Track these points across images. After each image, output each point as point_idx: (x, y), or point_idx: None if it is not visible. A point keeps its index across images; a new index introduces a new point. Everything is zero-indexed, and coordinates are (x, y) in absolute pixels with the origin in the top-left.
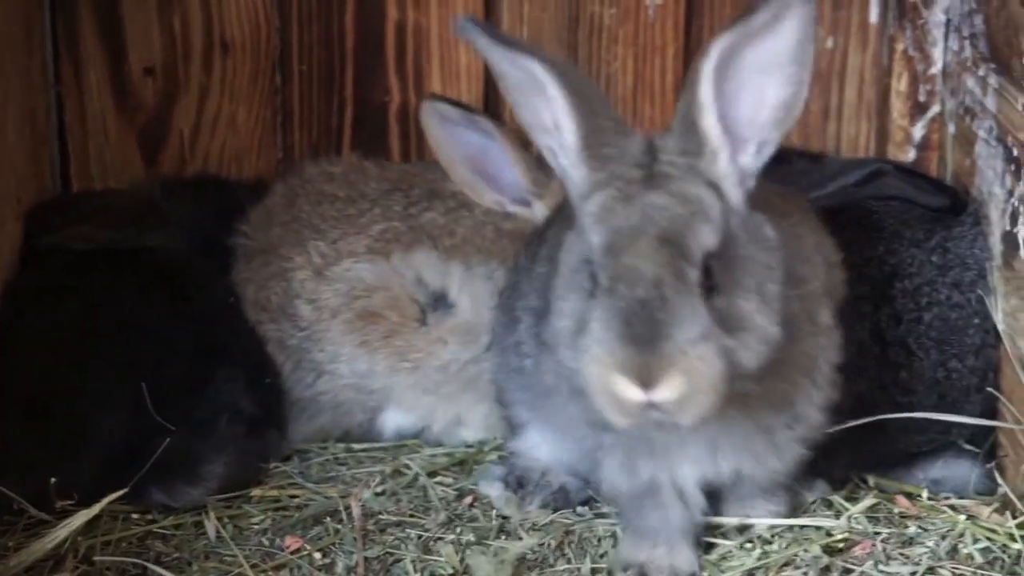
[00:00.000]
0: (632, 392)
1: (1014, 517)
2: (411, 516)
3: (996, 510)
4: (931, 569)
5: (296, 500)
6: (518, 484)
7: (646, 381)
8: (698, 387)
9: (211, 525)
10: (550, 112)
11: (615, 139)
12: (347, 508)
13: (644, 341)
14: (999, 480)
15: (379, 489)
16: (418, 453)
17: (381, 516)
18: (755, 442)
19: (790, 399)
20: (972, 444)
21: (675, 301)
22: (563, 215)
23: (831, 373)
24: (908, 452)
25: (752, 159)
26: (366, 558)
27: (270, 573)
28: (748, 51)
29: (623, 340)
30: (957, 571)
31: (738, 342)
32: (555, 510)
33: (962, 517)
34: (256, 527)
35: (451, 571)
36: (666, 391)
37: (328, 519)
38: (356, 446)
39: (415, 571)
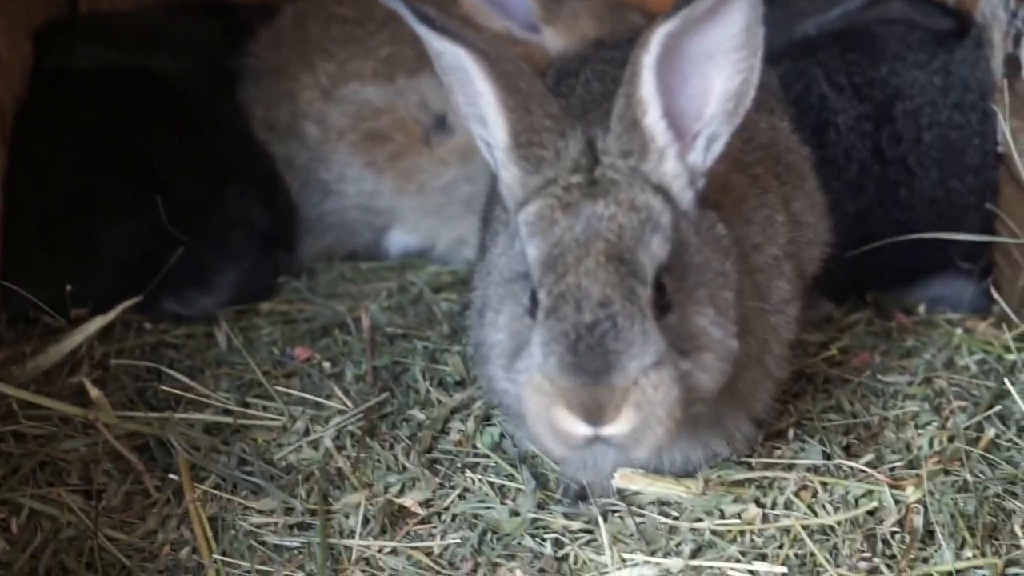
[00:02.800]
0: (578, 427)
1: (1009, 330)
2: (417, 329)
3: (992, 324)
4: (927, 379)
5: (305, 313)
6: None
7: (594, 416)
8: (652, 419)
9: (222, 335)
10: (481, 105)
11: (551, 138)
12: (355, 320)
13: (592, 372)
14: (995, 296)
15: (386, 303)
16: (423, 271)
17: (388, 328)
18: (703, 435)
19: (739, 392)
20: (969, 262)
21: (625, 325)
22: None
23: (784, 352)
24: (906, 271)
25: (701, 155)
26: (375, 367)
27: (281, 380)
28: (691, 40)
29: (568, 370)
30: (953, 381)
31: (695, 363)
32: None
33: (958, 331)
34: (266, 338)
35: (458, 379)
36: (617, 427)
37: (337, 331)
38: (363, 264)
39: (424, 379)
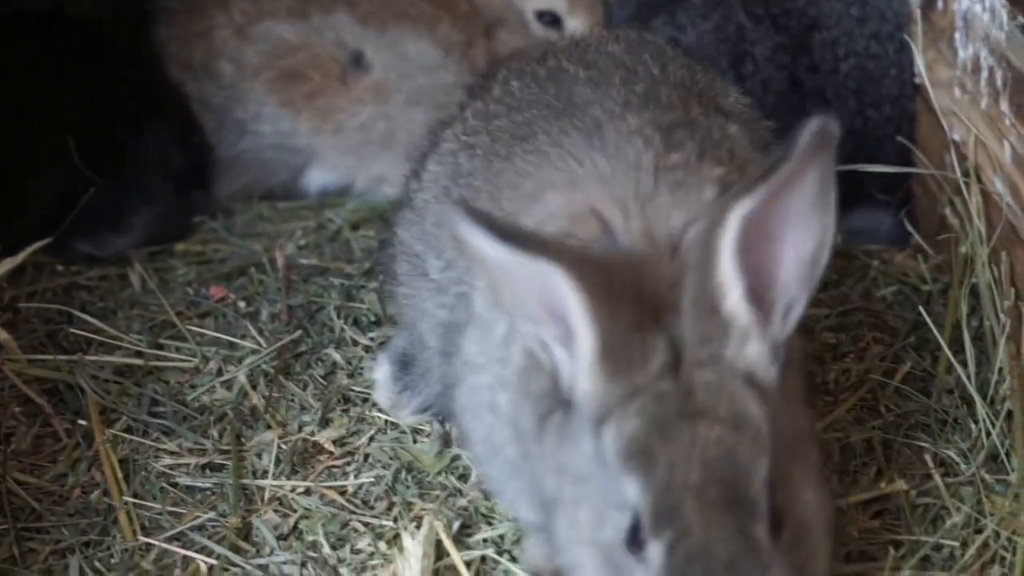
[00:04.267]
0: None
1: (925, 261)
2: (334, 264)
3: (908, 256)
4: (844, 312)
5: (220, 253)
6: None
7: None
8: None
9: (136, 276)
10: (560, 316)
11: (637, 340)
12: (271, 260)
13: None
14: (910, 228)
15: (302, 242)
16: (342, 208)
17: (304, 264)
18: None
19: None
20: (886, 194)
21: None
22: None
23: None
24: None
25: (780, 326)
26: (289, 306)
27: (195, 320)
28: (768, 212)
29: None
30: (870, 312)
31: (810, 567)
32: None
33: (875, 262)
34: (181, 279)
35: (374, 318)
36: None
37: (252, 270)
38: (280, 204)
39: (339, 318)
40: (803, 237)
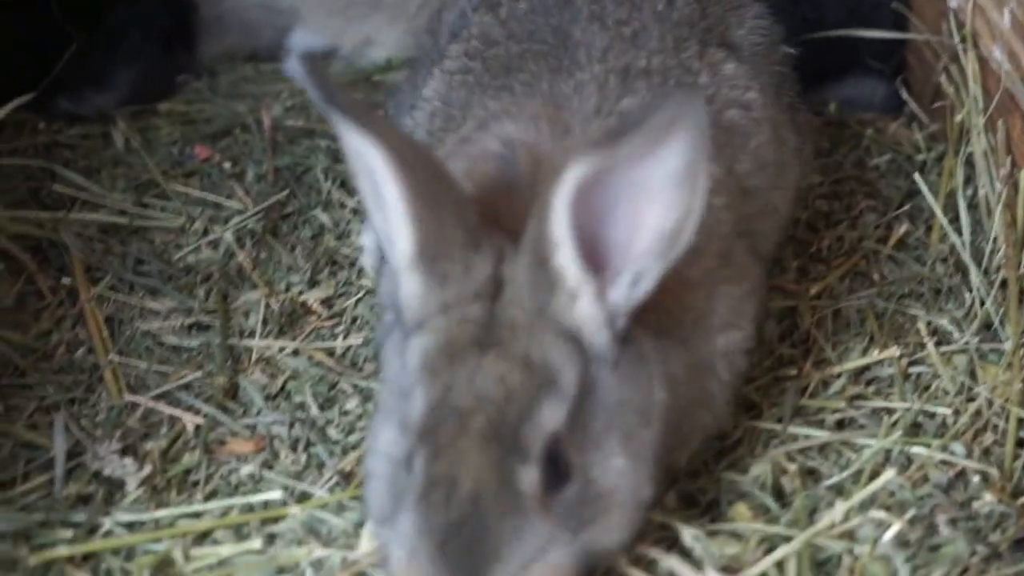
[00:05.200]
0: None
1: (920, 130)
2: (321, 126)
3: (902, 124)
4: (838, 181)
5: (205, 113)
6: None
7: None
8: None
9: (119, 135)
10: (386, 207)
11: (461, 253)
12: (257, 120)
13: (462, 570)
14: (905, 96)
15: (288, 103)
16: (328, 71)
17: (290, 126)
18: None
19: (685, 435)
20: (880, 62)
21: (496, 524)
22: None
23: (735, 376)
24: (817, 70)
25: (625, 293)
26: (276, 167)
27: (180, 180)
28: (619, 174)
29: (437, 565)
30: (863, 180)
31: (599, 529)
32: None
33: (869, 131)
34: (165, 138)
35: None
36: None
37: (237, 130)
38: (265, 65)
39: (326, 179)
40: (662, 211)
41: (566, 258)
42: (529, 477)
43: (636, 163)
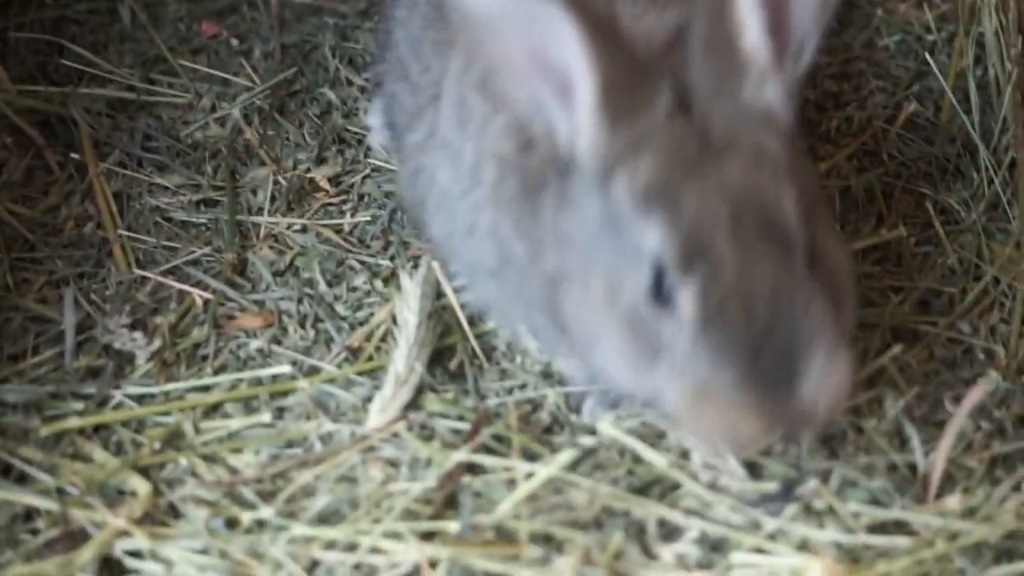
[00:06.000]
0: (766, 438)
1: (930, 10)
2: (328, 3)
3: (912, 5)
4: (847, 61)
5: None
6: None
7: (787, 427)
8: (839, 401)
9: (126, 10)
10: (556, 67)
11: (639, 82)
12: None
13: (779, 383)
14: None
15: None
16: None
17: (297, 3)
18: None
19: None
20: None
21: (801, 317)
22: None
23: None
24: None
25: (794, 63)
26: (283, 44)
27: (188, 56)
28: None
29: (751, 384)
30: (872, 61)
31: (844, 306)
32: None
33: (878, 11)
34: (172, 15)
35: (369, 58)
36: (811, 428)
37: (244, 7)
38: None
39: (333, 57)
40: None
41: (754, 39)
42: (801, 261)
43: None
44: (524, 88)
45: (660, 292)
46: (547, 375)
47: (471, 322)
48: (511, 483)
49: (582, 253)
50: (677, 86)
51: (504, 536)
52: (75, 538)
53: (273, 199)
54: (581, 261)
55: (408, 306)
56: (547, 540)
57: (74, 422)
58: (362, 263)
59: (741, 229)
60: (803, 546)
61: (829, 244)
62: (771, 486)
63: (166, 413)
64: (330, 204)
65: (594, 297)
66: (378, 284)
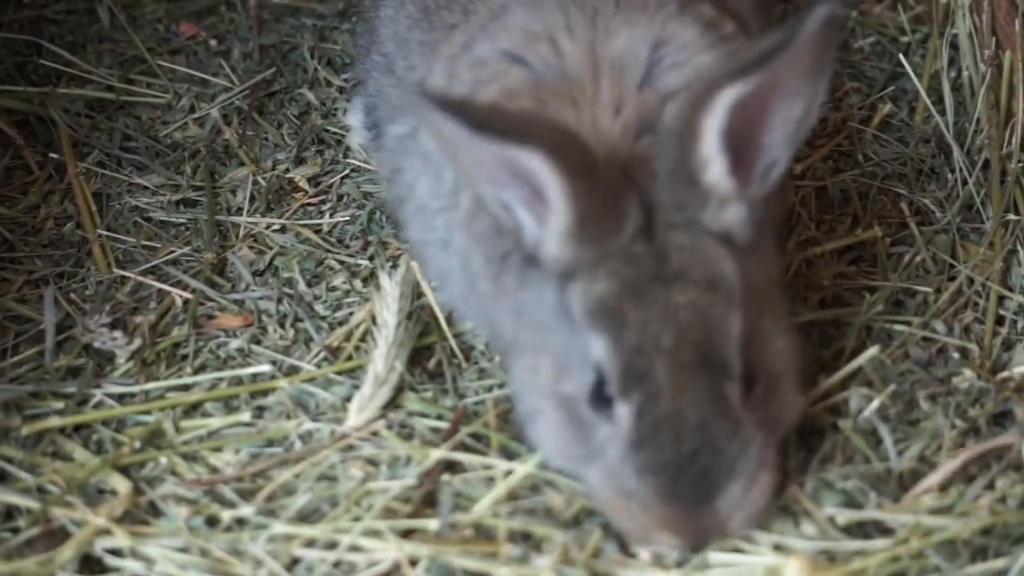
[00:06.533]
0: (679, 547)
1: (904, 12)
2: (307, 4)
3: (887, 7)
4: None
5: None
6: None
7: (699, 540)
8: (753, 522)
9: (104, 10)
10: (527, 179)
11: (611, 207)
12: None
13: (695, 499)
14: None
15: None
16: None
17: (276, 3)
18: None
19: None
20: None
21: (725, 445)
22: None
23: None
24: None
25: (759, 185)
26: (262, 45)
27: (166, 57)
28: (762, 89)
29: (669, 499)
30: (848, 61)
31: (784, 414)
32: None
33: (853, 13)
34: (150, 15)
35: (347, 59)
36: (722, 540)
37: (223, 8)
38: None
39: (312, 58)
40: (792, 104)
41: (717, 173)
42: (735, 391)
43: (780, 76)
44: (494, 191)
45: (600, 397)
46: None
47: (449, 321)
48: (490, 481)
49: (536, 330)
50: (641, 207)
51: (483, 534)
52: (56, 536)
53: (252, 199)
54: (534, 337)
55: (387, 306)
56: (526, 538)
57: (54, 421)
58: (341, 263)
59: (679, 360)
60: (779, 546)
61: (773, 347)
62: None
63: (146, 412)
64: (309, 204)
65: (541, 376)
66: (357, 284)
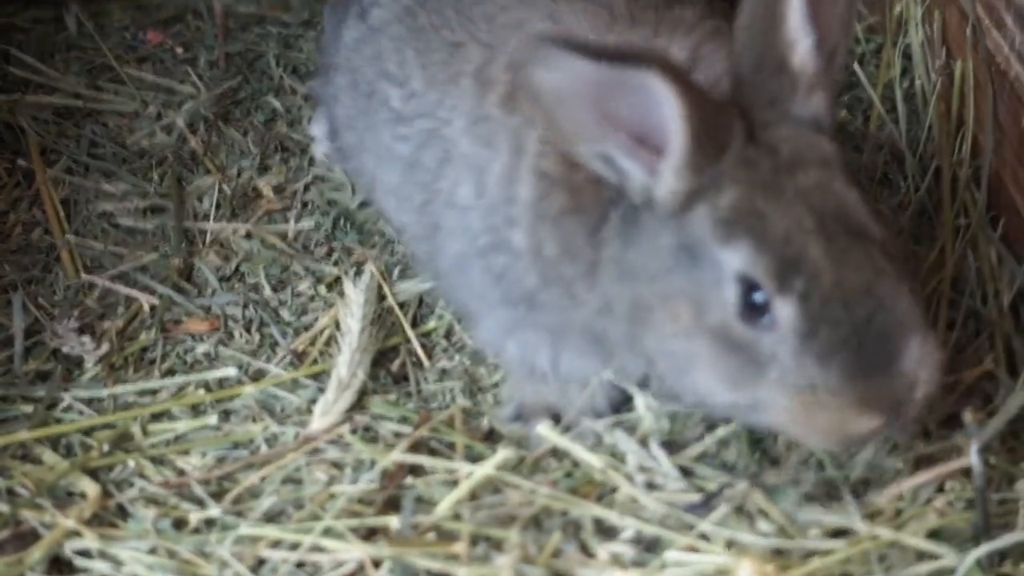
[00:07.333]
0: (877, 423)
1: (859, 22)
2: (272, 13)
3: None
4: None
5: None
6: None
7: (895, 408)
8: (938, 377)
9: (72, 19)
10: (635, 142)
11: (722, 124)
12: (208, 6)
13: (881, 366)
14: None
15: None
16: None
17: (242, 12)
18: None
19: None
20: None
21: (892, 301)
22: None
23: None
24: None
25: (829, 71)
26: (228, 53)
27: (133, 65)
28: None
29: (857, 374)
30: None
31: (914, 286)
32: None
33: None
34: (116, 24)
35: (312, 67)
36: (914, 410)
37: (189, 16)
38: None
39: (277, 66)
40: None
41: (804, 55)
42: (881, 255)
43: None
44: (594, 147)
45: (751, 308)
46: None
47: (414, 323)
48: (453, 484)
49: (656, 282)
50: (742, 116)
51: (444, 535)
52: (25, 538)
53: (218, 206)
54: (658, 292)
55: (351, 313)
56: (487, 539)
57: (23, 426)
58: (306, 269)
59: (829, 235)
60: (734, 545)
61: (888, 233)
62: (711, 486)
63: (113, 419)
64: (274, 211)
65: (681, 324)
66: (322, 289)
